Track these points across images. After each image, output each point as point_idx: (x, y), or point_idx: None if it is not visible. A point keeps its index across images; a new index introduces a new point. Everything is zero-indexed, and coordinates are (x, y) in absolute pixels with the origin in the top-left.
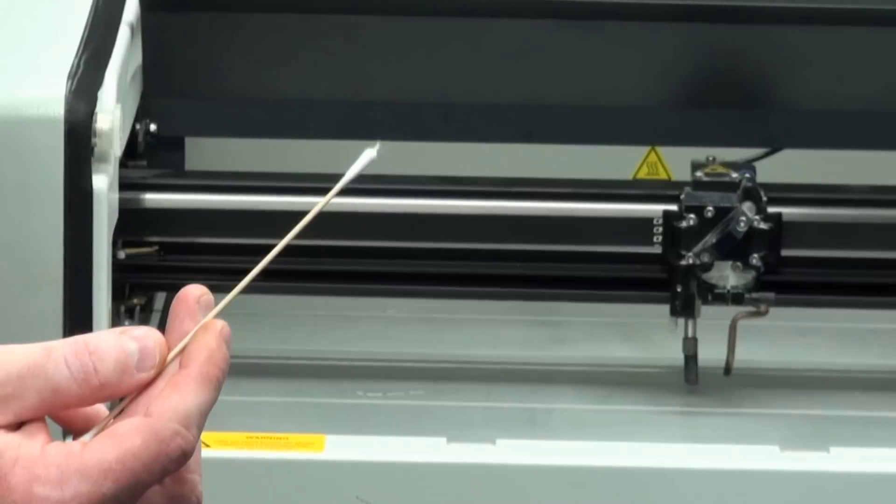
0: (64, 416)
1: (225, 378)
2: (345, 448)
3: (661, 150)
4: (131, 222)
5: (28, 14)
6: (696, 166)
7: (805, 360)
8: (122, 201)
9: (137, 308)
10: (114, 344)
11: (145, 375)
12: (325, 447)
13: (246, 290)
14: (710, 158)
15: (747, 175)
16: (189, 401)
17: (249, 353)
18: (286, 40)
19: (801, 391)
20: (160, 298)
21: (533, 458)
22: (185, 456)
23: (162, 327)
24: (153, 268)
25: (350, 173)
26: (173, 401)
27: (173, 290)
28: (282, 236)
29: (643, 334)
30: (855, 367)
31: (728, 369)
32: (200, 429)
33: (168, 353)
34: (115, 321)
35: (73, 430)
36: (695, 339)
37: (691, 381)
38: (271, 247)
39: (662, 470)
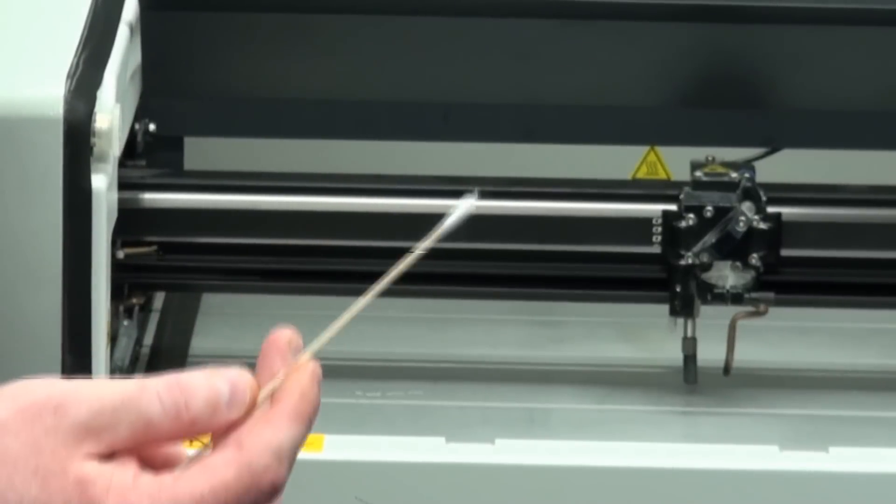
0: (145, 454)
1: (316, 417)
2: (343, 448)
3: (661, 149)
4: (130, 222)
5: (27, 13)
6: (695, 166)
7: (805, 360)
8: (121, 201)
9: (136, 308)
10: (205, 383)
11: (235, 414)
12: (324, 447)
13: (247, 291)
14: (710, 158)
15: (747, 175)
16: (282, 435)
17: (249, 354)
18: (286, 40)
19: (800, 391)
20: (159, 298)
21: (532, 458)
22: (276, 490)
23: (162, 326)
24: (152, 267)
25: (448, 223)
26: (266, 435)
27: (172, 289)
28: (280, 236)
29: (642, 334)
30: (855, 367)
31: (727, 369)
32: (292, 464)
33: (258, 394)
34: (114, 321)
35: (152, 467)
36: (694, 339)
37: (690, 380)
38: (270, 246)
39: (661, 470)
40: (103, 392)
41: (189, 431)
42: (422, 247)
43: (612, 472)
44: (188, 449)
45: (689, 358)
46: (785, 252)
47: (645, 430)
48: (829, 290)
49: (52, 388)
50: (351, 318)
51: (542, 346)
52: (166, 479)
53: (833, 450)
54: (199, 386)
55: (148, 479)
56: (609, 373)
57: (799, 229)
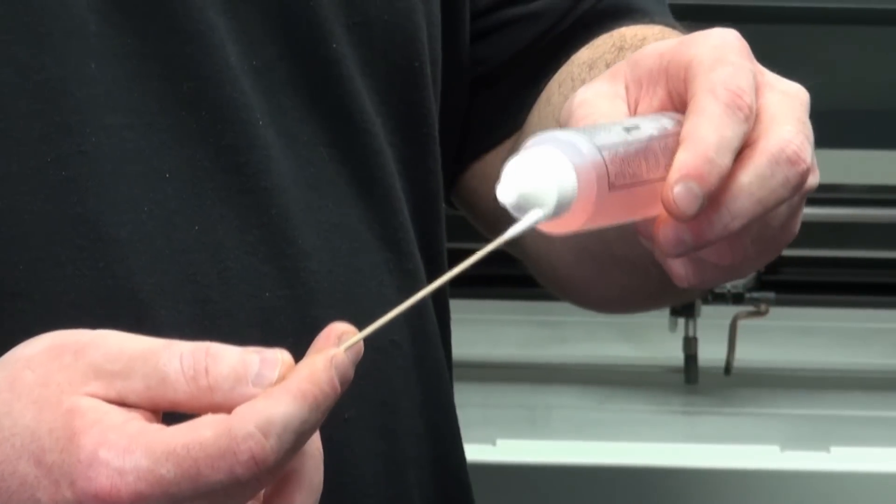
0: None
1: (327, 403)
2: None
3: None
4: None
5: None
6: None
7: (805, 360)
8: None
9: None
10: (236, 353)
11: (261, 391)
12: None
13: None
14: None
15: None
16: (275, 409)
17: None
18: None
19: (801, 391)
20: None
21: (533, 458)
22: (254, 462)
23: None
24: None
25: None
26: (258, 405)
27: None
28: None
29: (643, 334)
30: (855, 366)
31: (728, 369)
32: (284, 444)
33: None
34: None
35: None
36: (695, 339)
37: (691, 380)
38: None
39: (662, 469)
40: (127, 343)
41: (208, 399)
42: (486, 250)
43: (613, 471)
44: None
45: (690, 358)
46: (785, 252)
47: (646, 430)
48: (830, 289)
49: (83, 335)
50: (400, 311)
51: (542, 345)
52: (152, 427)
53: (834, 449)
54: (228, 355)
55: (137, 425)
56: (610, 372)
57: (799, 229)
